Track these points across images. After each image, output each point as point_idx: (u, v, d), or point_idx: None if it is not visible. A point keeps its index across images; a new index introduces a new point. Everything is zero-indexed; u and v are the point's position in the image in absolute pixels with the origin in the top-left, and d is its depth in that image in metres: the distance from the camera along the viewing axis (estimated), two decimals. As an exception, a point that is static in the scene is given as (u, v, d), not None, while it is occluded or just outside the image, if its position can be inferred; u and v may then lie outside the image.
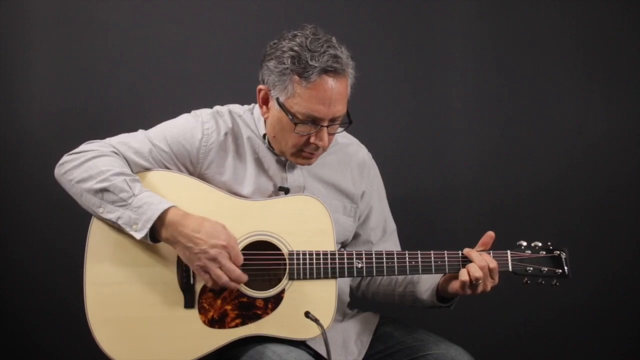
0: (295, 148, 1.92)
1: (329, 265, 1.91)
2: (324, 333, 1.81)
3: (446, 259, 1.95)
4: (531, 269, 2.00)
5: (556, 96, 2.97)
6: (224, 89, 2.62)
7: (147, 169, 1.93)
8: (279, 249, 1.91)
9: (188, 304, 1.86)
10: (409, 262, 1.95)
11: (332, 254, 1.92)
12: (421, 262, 1.95)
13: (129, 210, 1.81)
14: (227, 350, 1.87)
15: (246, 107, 2.08)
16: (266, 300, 1.89)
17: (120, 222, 1.82)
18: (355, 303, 2.18)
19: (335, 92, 1.85)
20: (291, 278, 1.90)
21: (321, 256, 1.91)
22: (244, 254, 1.84)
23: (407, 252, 1.96)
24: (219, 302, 1.87)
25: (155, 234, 1.82)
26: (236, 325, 1.87)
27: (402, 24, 2.90)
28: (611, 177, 2.97)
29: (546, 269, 2.00)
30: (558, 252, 2.01)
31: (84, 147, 1.92)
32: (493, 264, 1.92)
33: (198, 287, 1.87)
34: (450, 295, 2.00)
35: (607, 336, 2.98)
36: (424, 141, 2.93)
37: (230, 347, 1.87)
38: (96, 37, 2.71)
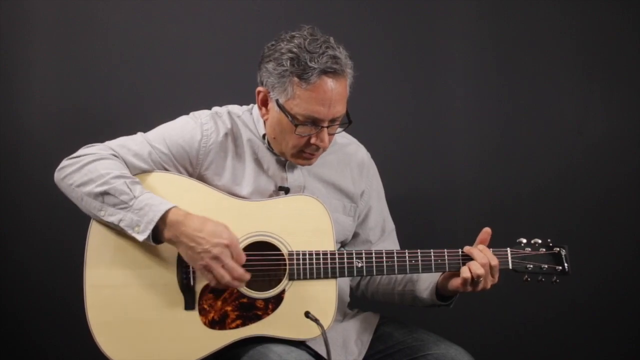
0: (296, 149, 1.92)
1: (329, 265, 1.91)
2: (324, 333, 1.81)
3: (446, 257, 1.95)
4: (531, 266, 1.99)
5: (556, 96, 2.96)
6: (224, 90, 2.61)
7: (147, 171, 1.92)
8: (278, 250, 1.90)
9: (188, 306, 1.86)
10: (409, 261, 1.94)
11: (332, 253, 1.91)
12: (421, 260, 1.94)
13: (130, 212, 1.80)
14: (228, 351, 1.87)
15: (245, 107, 2.07)
16: (266, 300, 1.89)
17: (122, 224, 1.81)
18: (355, 303, 2.18)
19: (335, 92, 1.85)
20: (291, 278, 1.90)
21: (321, 256, 1.91)
22: (244, 255, 1.84)
23: (407, 251, 1.95)
24: (219, 303, 1.87)
25: (157, 235, 1.82)
26: (237, 326, 1.87)
27: (402, 24, 2.89)
28: (611, 177, 2.97)
29: (546, 266, 2.00)
30: (558, 249, 2.01)
31: (82, 150, 1.92)
32: (494, 261, 1.92)
33: (198, 288, 1.87)
34: (450, 293, 2.00)
35: (607, 336, 2.98)
36: (424, 141, 2.93)
37: (231, 348, 1.87)
38: (96, 37, 2.71)
